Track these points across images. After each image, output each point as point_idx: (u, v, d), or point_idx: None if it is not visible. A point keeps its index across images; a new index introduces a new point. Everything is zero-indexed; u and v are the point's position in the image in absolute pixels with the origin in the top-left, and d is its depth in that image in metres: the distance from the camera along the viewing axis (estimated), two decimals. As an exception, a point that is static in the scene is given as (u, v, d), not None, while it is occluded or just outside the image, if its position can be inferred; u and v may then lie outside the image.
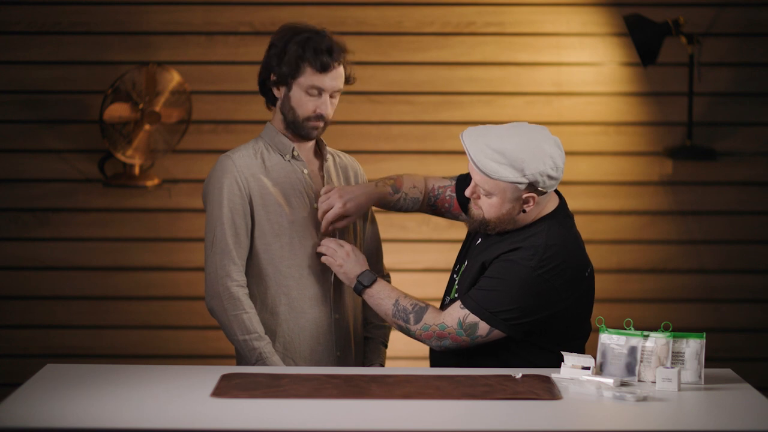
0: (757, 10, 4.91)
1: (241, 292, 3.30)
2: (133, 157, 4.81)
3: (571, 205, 3.30)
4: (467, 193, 3.19)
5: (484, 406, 2.78)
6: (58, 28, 4.91)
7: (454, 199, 3.44)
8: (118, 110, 4.75)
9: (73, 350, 4.94)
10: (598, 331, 3.10)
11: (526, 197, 3.12)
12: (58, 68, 4.92)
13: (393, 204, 3.44)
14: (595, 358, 3.05)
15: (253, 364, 3.28)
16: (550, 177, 3.09)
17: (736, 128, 4.93)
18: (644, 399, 2.84)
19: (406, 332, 3.24)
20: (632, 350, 3.02)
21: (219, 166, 3.35)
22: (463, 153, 4.91)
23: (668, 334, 3.01)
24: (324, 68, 3.27)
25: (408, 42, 4.93)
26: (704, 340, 3.01)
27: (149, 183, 4.88)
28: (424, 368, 3.25)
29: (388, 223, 4.86)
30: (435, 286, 4.79)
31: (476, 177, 3.14)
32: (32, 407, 2.73)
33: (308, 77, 3.28)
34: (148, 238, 4.94)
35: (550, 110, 4.91)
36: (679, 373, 2.93)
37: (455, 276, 3.33)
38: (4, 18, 4.90)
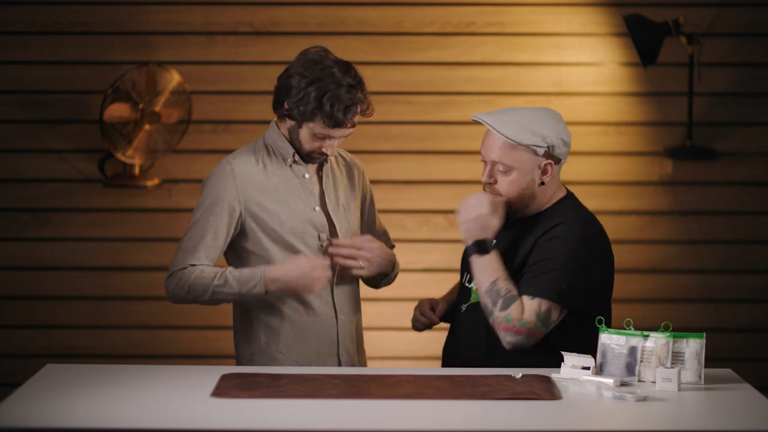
0: (757, 10, 4.90)
1: (188, 267, 3.32)
2: (133, 157, 4.81)
3: (571, 205, 3.31)
4: (484, 179, 3.25)
5: (484, 406, 2.78)
6: (58, 28, 4.91)
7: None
8: (118, 110, 4.75)
9: (73, 350, 4.94)
10: (598, 330, 3.10)
11: (544, 165, 3.21)
12: (58, 68, 4.92)
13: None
14: (595, 358, 3.05)
15: (238, 293, 3.28)
16: (564, 142, 3.21)
17: (736, 128, 4.93)
18: (644, 399, 2.84)
19: (489, 314, 3.18)
20: (632, 350, 3.02)
21: (219, 172, 3.35)
22: (463, 153, 4.90)
23: (668, 334, 3.01)
24: (336, 125, 3.26)
25: (408, 42, 4.93)
26: (704, 340, 3.01)
27: (149, 183, 4.88)
28: (424, 368, 3.25)
29: (387, 223, 4.84)
30: (435, 286, 4.78)
31: (494, 154, 3.22)
32: (32, 407, 2.73)
33: (319, 127, 3.28)
34: (148, 238, 4.94)
35: (550, 110, 4.91)
36: (679, 373, 2.93)
37: (468, 284, 3.32)
38: (4, 18, 4.90)
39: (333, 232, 3.40)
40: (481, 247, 3.22)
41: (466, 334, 3.31)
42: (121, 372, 3.10)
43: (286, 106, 3.29)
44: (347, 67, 3.28)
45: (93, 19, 4.91)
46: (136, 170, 4.87)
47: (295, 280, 3.29)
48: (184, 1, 4.92)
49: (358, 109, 3.28)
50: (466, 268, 3.35)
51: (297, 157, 3.37)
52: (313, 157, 3.36)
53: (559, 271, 3.15)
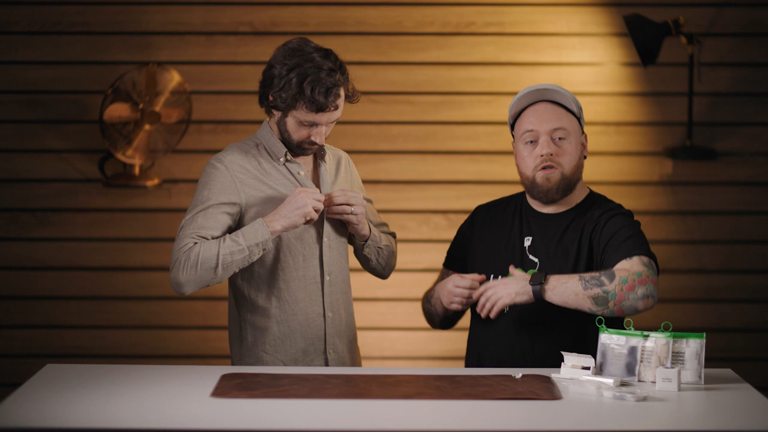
0: (757, 10, 4.90)
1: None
2: (133, 157, 4.81)
3: (571, 205, 3.31)
4: (545, 151, 3.27)
5: (484, 406, 2.78)
6: (58, 28, 4.91)
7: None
8: (118, 110, 4.75)
9: (73, 350, 4.94)
10: (598, 331, 3.10)
11: (583, 139, 3.33)
12: (58, 68, 4.92)
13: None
14: (595, 358, 3.05)
15: (246, 251, 3.24)
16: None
17: (736, 128, 4.93)
18: (644, 399, 2.84)
19: (603, 300, 3.13)
20: (632, 350, 3.02)
21: (212, 170, 3.31)
22: (463, 153, 4.90)
23: (668, 334, 3.01)
24: (319, 109, 3.26)
25: (408, 42, 4.93)
26: (704, 340, 3.01)
27: (149, 183, 4.88)
28: (424, 368, 3.25)
29: (388, 223, 4.85)
30: (435, 286, 4.79)
31: (555, 121, 3.27)
32: (32, 407, 2.73)
33: (303, 113, 3.28)
34: (148, 238, 4.94)
35: (550, 110, 4.91)
36: (679, 373, 2.93)
37: None
38: (4, 18, 4.90)
39: (320, 227, 3.39)
40: (538, 281, 3.16)
41: (510, 333, 3.29)
42: (121, 372, 3.10)
43: (270, 97, 3.30)
44: (327, 53, 3.30)
45: (93, 19, 4.91)
46: (136, 170, 4.87)
47: (290, 211, 3.26)
48: (184, 1, 4.92)
49: (341, 92, 3.28)
50: (496, 269, 3.35)
51: (290, 156, 3.37)
52: (304, 148, 3.35)
53: (637, 235, 3.23)
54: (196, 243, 3.25)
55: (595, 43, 4.92)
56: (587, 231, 3.28)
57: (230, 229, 3.31)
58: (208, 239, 3.26)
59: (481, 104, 4.92)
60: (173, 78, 4.81)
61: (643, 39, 4.74)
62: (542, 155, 3.26)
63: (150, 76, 4.78)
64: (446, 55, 4.93)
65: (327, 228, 3.40)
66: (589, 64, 4.93)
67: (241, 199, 3.31)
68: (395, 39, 4.93)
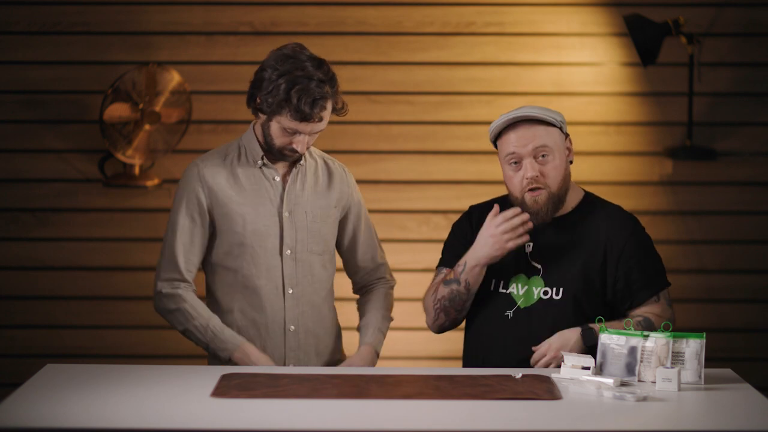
0: (757, 10, 4.90)
1: (181, 289, 3.34)
2: (133, 157, 4.81)
3: (571, 205, 3.31)
4: (530, 174, 3.25)
5: (484, 406, 2.78)
6: (58, 28, 4.91)
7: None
8: (118, 110, 4.75)
9: (73, 350, 4.94)
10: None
11: (567, 144, 3.33)
12: (58, 68, 4.92)
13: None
14: (595, 358, 3.05)
15: (206, 345, 3.32)
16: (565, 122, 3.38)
17: (736, 128, 4.93)
18: (644, 399, 2.84)
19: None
20: (632, 350, 3.02)
21: (186, 174, 3.37)
22: (462, 153, 4.90)
23: (668, 334, 3.01)
24: (303, 119, 3.24)
25: (408, 42, 4.93)
26: (704, 340, 3.01)
27: (149, 183, 4.88)
28: (424, 368, 3.24)
29: (388, 223, 4.86)
30: (435, 286, 4.78)
31: (537, 140, 3.24)
32: (32, 407, 2.73)
33: (286, 120, 3.26)
34: (148, 238, 4.94)
35: (550, 110, 4.91)
36: (679, 373, 2.93)
37: (504, 290, 3.31)
38: (4, 18, 4.90)
39: (282, 237, 3.38)
40: (590, 336, 3.18)
41: (520, 338, 3.27)
42: (121, 372, 3.10)
43: (258, 100, 3.29)
44: (320, 63, 3.27)
45: (93, 19, 4.91)
46: (136, 170, 4.87)
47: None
48: (184, 1, 4.92)
49: (327, 104, 3.26)
50: (499, 274, 3.34)
51: (266, 160, 3.36)
52: (285, 155, 3.34)
53: (654, 261, 3.34)
54: (183, 281, 3.33)
55: (595, 43, 4.92)
56: (599, 243, 3.27)
57: (204, 227, 3.35)
58: (192, 263, 3.34)
59: (481, 104, 4.92)
60: (173, 78, 4.81)
61: (643, 39, 4.73)
62: (528, 178, 3.25)
63: (150, 76, 4.78)
64: (446, 55, 4.93)
65: (289, 240, 3.37)
66: (589, 64, 4.93)
67: (209, 206, 3.34)
68: (395, 39, 4.93)
